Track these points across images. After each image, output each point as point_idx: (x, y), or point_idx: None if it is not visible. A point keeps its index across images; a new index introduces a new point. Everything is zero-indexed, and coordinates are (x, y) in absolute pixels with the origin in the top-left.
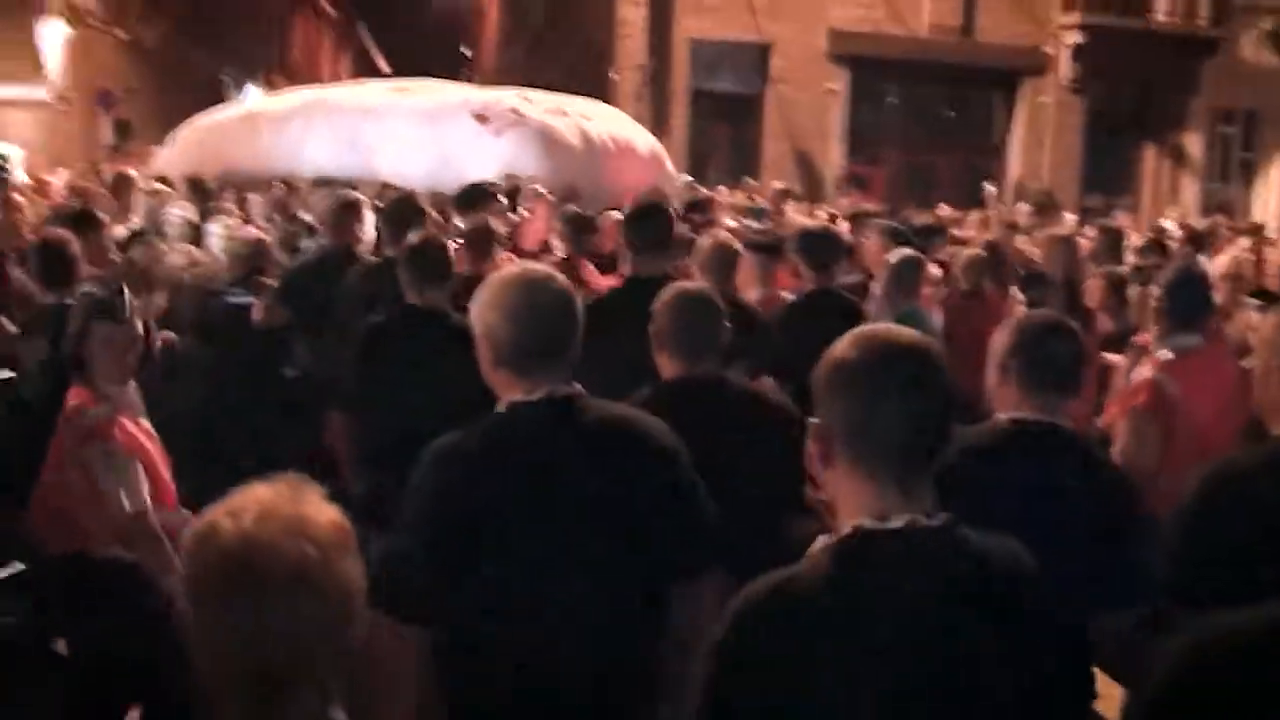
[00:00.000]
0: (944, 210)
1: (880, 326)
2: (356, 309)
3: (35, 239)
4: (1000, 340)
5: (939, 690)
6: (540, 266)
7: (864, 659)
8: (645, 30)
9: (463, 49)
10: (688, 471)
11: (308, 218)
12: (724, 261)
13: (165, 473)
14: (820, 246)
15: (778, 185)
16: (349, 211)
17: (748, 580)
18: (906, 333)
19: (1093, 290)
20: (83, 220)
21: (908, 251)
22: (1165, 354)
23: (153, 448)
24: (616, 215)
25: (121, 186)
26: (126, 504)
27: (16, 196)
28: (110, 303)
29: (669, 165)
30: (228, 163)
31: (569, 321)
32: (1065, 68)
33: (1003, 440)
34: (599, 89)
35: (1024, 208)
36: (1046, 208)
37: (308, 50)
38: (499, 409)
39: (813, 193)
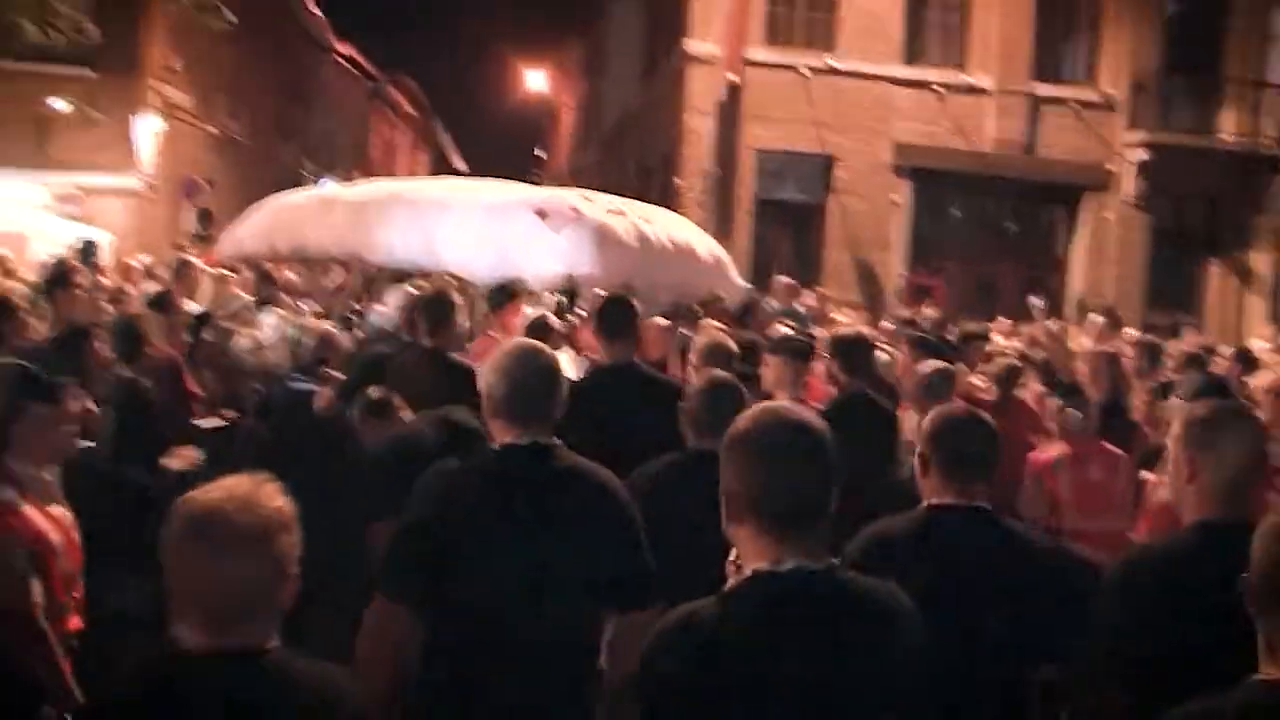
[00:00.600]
0: (1001, 323)
1: (777, 404)
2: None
3: (113, 318)
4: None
5: (818, 707)
6: (533, 341)
7: (755, 679)
8: (712, 140)
9: (536, 151)
10: (636, 518)
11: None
12: (714, 357)
13: (69, 564)
14: (852, 351)
15: (825, 293)
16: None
17: None
18: (796, 410)
19: (1137, 405)
20: (159, 302)
21: (936, 363)
22: None
23: (58, 538)
24: (662, 322)
25: (185, 272)
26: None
27: (100, 279)
28: (44, 382)
29: (732, 271)
30: (300, 241)
31: (551, 386)
32: (1129, 184)
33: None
34: (666, 195)
35: (1096, 320)
36: (1108, 323)
37: (386, 147)
38: (492, 447)
39: (873, 302)
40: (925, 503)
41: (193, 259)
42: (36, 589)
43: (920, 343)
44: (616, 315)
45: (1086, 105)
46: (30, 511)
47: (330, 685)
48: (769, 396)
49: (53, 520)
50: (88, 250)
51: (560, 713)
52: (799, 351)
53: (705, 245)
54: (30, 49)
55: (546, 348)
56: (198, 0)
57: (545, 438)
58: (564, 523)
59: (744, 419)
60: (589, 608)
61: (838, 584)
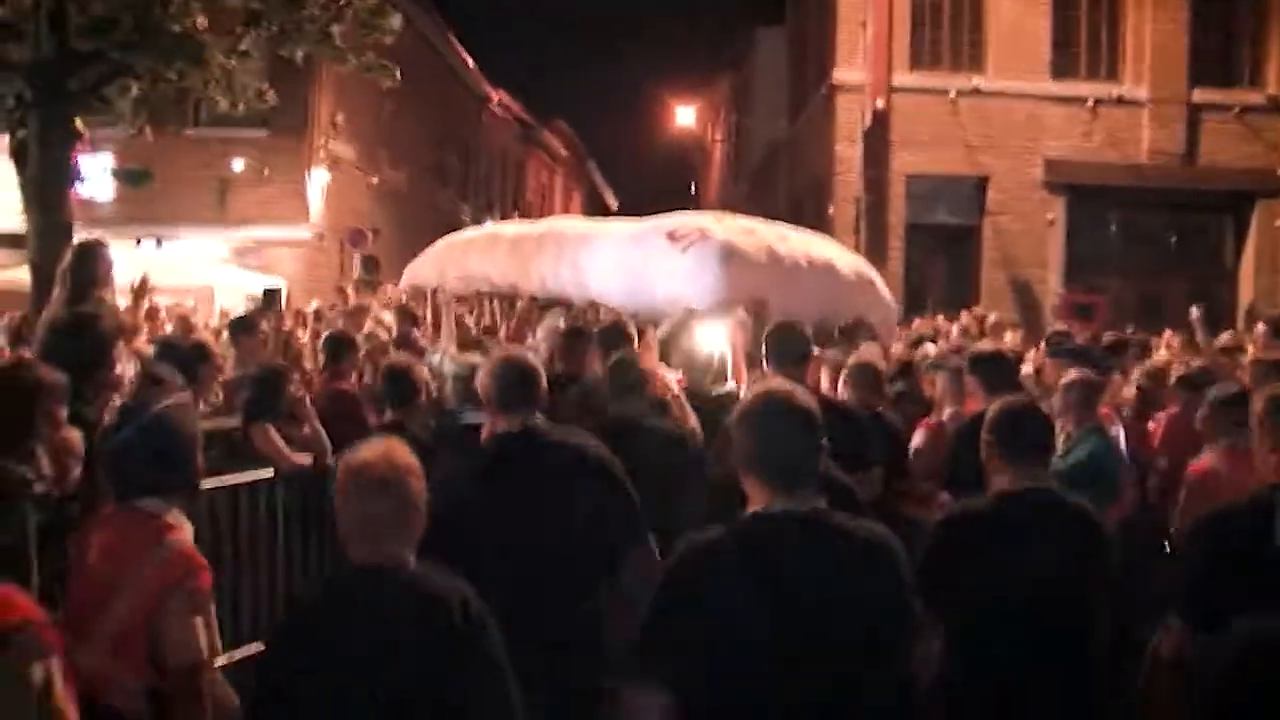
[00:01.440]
0: (1168, 336)
1: (773, 384)
2: None
3: (388, 365)
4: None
5: (808, 622)
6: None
7: (757, 595)
8: (860, 166)
9: (691, 187)
10: (620, 475)
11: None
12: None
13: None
14: (990, 368)
15: (990, 317)
16: (579, 339)
17: None
18: (788, 390)
19: None
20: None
21: (1077, 373)
22: None
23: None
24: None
25: (357, 315)
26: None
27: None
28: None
29: (882, 289)
30: (467, 273)
31: (529, 379)
32: None
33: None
34: (817, 224)
35: (1261, 330)
36: (1270, 331)
37: (541, 189)
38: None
39: (1031, 321)
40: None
41: (364, 303)
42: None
43: (1066, 353)
44: (788, 344)
45: (1251, 109)
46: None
47: (445, 596)
48: (928, 412)
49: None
50: (270, 298)
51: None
52: (954, 369)
53: (849, 263)
54: (211, 115)
55: (528, 354)
56: (366, 61)
57: (531, 421)
58: (551, 486)
59: (749, 398)
60: (588, 559)
61: (817, 521)
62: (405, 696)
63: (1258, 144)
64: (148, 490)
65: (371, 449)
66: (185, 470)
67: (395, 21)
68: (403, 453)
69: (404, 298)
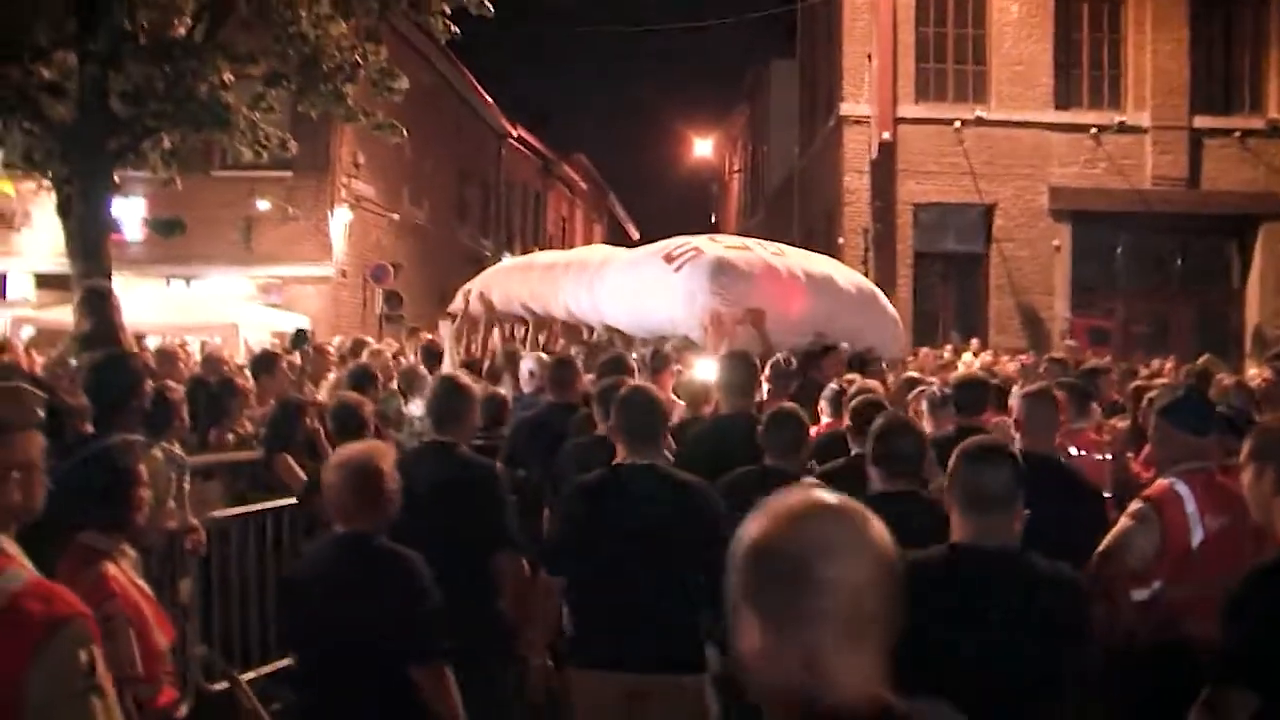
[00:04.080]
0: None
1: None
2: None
3: (334, 400)
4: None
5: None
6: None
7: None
8: (869, 196)
9: (712, 217)
10: (502, 488)
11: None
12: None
13: (157, 637)
14: (963, 393)
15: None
16: (566, 370)
17: None
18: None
19: None
20: (363, 378)
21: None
22: None
23: (148, 608)
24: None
25: (355, 350)
26: None
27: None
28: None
29: (887, 306)
30: (507, 297)
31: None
32: None
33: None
34: (830, 253)
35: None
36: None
37: (561, 222)
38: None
39: (1039, 347)
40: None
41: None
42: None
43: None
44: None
45: (1252, 133)
46: (121, 577)
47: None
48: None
49: (142, 591)
50: (300, 337)
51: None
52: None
53: (849, 278)
54: (236, 157)
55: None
56: (375, 120)
57: (442, 439)
58: (444, 492)
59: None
60: (474, 555)
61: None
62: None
63: (1260, 168)
64: (82, 524)
65: (353, 449)
66: (120, 506)
67: (403, 83)
68: (383, 456)
69: (434, 333)
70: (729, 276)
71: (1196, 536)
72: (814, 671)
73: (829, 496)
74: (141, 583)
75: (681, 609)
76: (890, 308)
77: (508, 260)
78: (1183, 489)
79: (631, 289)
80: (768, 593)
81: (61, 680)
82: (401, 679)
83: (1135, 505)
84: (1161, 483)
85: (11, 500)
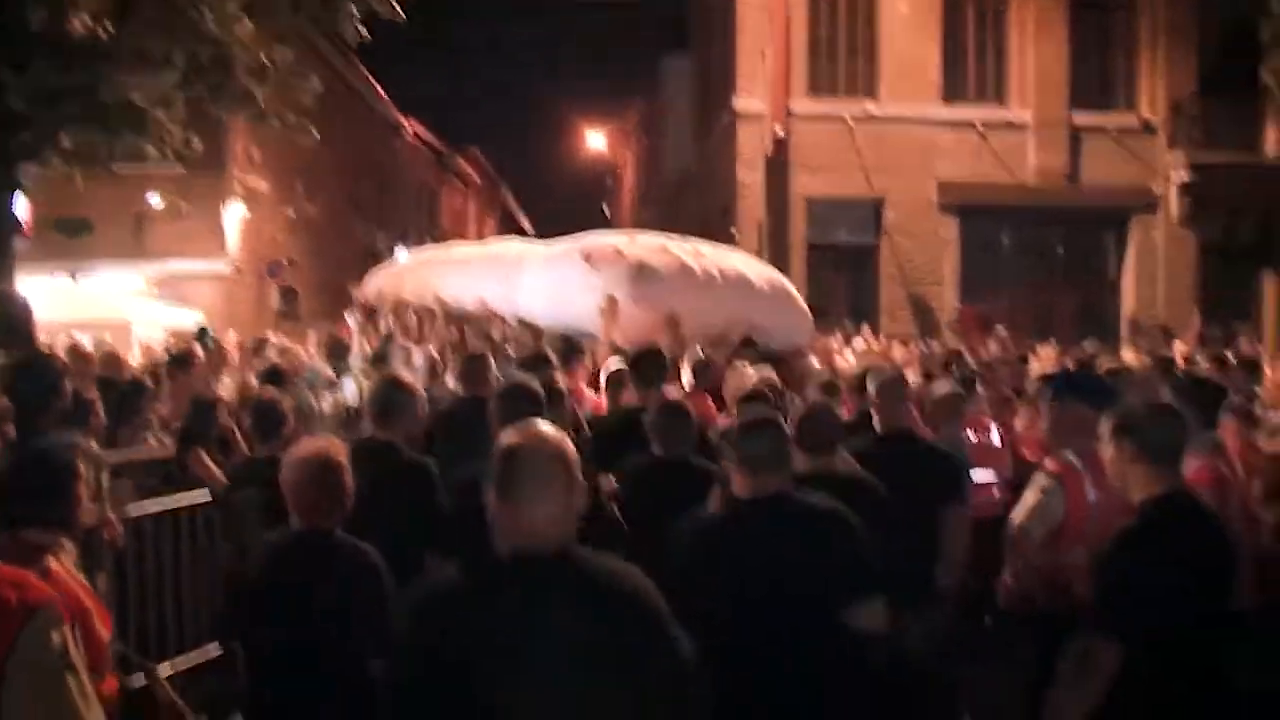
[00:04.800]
0: (1048, 349)
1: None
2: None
3: (251, 397)
4: None
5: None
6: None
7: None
8: (763, 190)
9: (604, 209)
10: (439, 488)
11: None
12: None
13: (100, 628)
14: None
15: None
16: (480, 364)
17: None
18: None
19: None
20: (276, 376)
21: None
22: None
23: (89, 601)
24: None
25: (258, 348)
26: None
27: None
28: (83, 449)
29: (797, 299)
30: (420, 289)
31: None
32: (1174, 205)
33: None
34: (725, 245)
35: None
36: (1158, 339)
37: (456, 216)
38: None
39: (928, 335)
40: None
41: (271, 336)
42: None
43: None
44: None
45: (1127, 131)
46: (62, 572)
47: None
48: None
49: (82, 585)
50: (203, 335)
51: None
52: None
53: (762, 275)
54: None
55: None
56: (287, 121)
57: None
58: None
59: None
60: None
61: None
62: None
63: (1134, 163)
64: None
65: (308, 446)
66: (61, 504)
67: (315, 83)
68: (338, 452)
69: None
70: (648, 281)
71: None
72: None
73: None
74: (81, 577)
75: None
76: (800, 300)
77: (427, 252)
78: (1078, 462)
79: (550, 286)
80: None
81: (38, 662)
82: (362, 672)
83: (1042, 480)
84: (1060, 458)
85: None
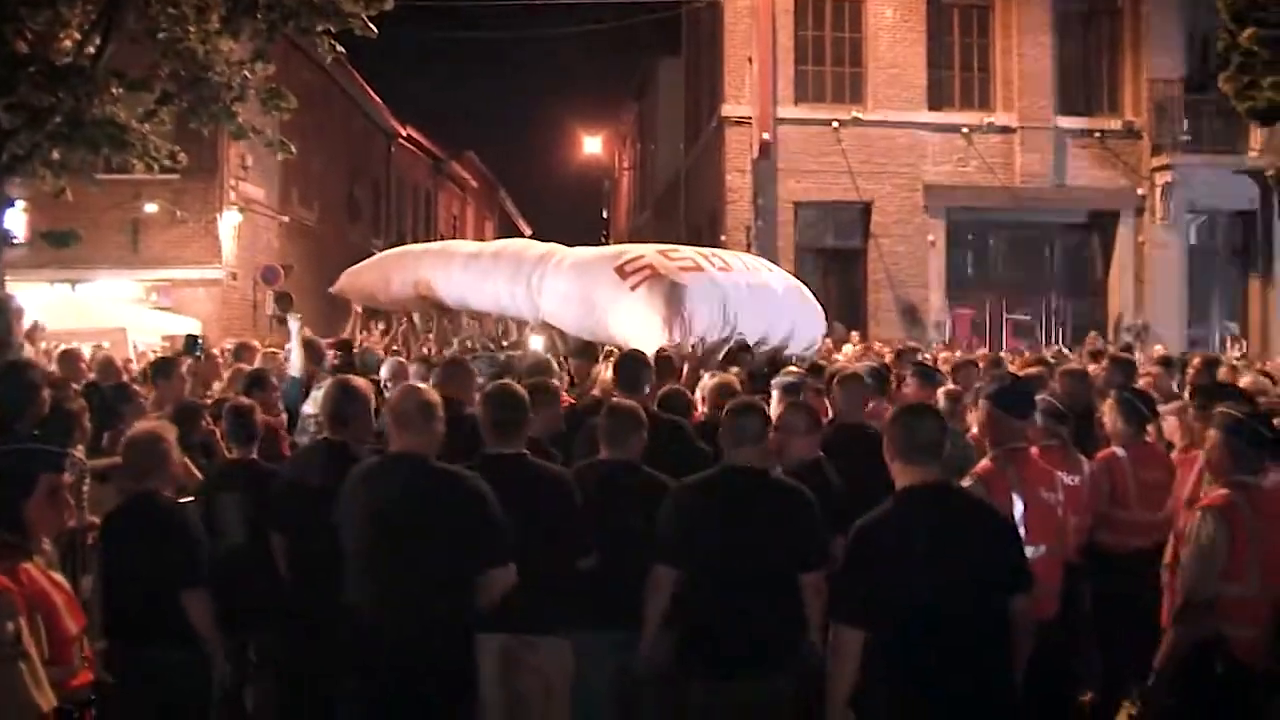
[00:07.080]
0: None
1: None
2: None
3: (227, 404)
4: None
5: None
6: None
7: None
8: (750, 195)
9: (604, 213)
10: (493, 505)
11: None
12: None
13: (68, 623)
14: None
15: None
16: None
17: None
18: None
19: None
20: (256, 382)
21: (847, 374)
22: None
23: (61, 599)
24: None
25: (244, 352)
26: None
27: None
28: (54, 454)
29: (810, 298)
30: (416, 279)
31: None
32: (1158, 207)
33: None
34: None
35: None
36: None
37: (452, 220)
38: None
39: (915, 338)
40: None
41: (253, 342)
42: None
43: (921, 371)
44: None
45: (1110, 134)
46: (33, 570)
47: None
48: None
49: (55, 583)
50: (191, 343)
51: None
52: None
53: (781, 280)
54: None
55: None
56: (266, 139)
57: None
58: (430, 514)
59: None
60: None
61: None
62: None
63: (1118, 165)
64: None
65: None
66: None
67: (291, 102)
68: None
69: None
70: (682, 301)
71: (1018, 508)
72: None
73: None
74: (56, 575)
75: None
76: (811, 298)
77: (413, 246)
78: (1005, 466)
79: (579, 294)
80: None
81: None
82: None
83: (967, 483)
84: (987, 462)
85: None
